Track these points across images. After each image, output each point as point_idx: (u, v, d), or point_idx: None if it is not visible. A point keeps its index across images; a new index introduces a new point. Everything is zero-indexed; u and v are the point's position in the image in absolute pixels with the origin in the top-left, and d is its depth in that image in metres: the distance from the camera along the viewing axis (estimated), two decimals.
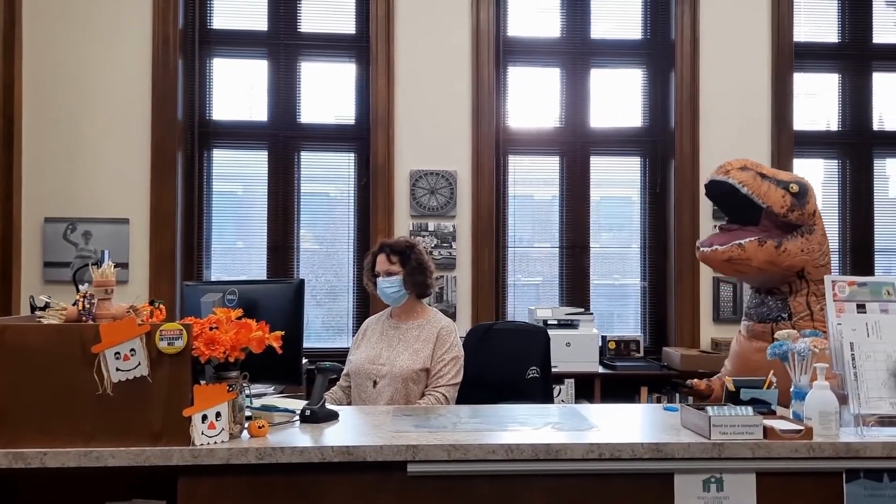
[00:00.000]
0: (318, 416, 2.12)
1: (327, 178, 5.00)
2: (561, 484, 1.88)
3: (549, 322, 4.40)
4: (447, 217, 4.68)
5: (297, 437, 1.97)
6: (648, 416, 2.23)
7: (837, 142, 5.05)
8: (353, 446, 1.85)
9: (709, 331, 4.73)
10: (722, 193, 3.15)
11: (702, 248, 3.16)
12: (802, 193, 3.14)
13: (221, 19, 4.85)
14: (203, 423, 1.84)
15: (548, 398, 3.24)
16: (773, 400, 2.09)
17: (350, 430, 2.06)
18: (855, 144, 5.04)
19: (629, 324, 5.00)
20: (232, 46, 4.88)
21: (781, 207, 3.05)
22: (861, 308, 2.08)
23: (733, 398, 2.11)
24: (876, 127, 5.06)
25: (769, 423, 1.92)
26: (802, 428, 1.90)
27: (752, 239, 3.05)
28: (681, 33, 4.80)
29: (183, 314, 2.29)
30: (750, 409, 1.93)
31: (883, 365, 1.98)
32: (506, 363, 3.21)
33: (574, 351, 4.37)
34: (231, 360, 1.86)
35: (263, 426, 1.95)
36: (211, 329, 1.86)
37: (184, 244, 4.67)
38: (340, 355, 4.55)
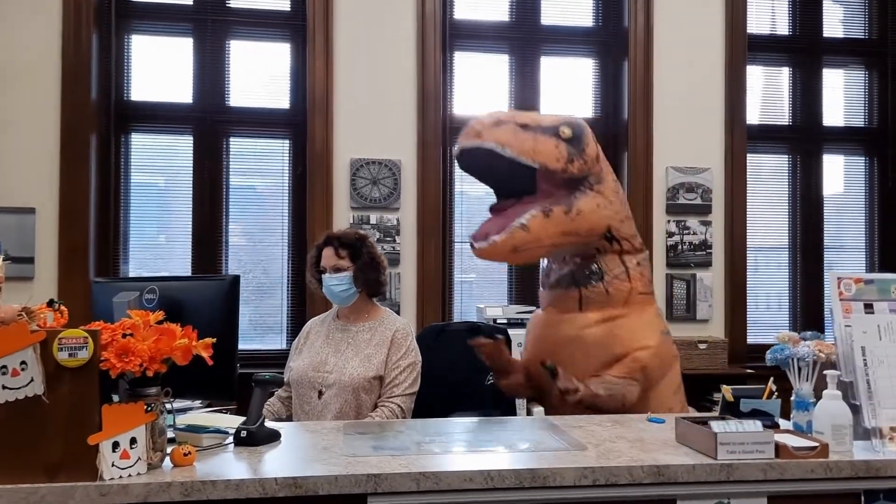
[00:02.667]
0: (256, 438, 1.78)
1: (259, 166, 4.61)
2: None
3: (498, 321, 4.15)
4: (391, 209, 4.37)
5: (232, 466, 1.63)
6: (636, 431, 1.98)
7: (789, 137, 4.96)
8: (302, 477, 1.53)
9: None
10: (479, 164, 2.45)
11: (476, 245, 2.49)
12: (578, 136, 2.48)
13: None
14: (114, 451, 1.49)
15: (510, 407, 2.96)
16: (776, 411, 1.86)
17: (295, 454, 1.73)
18: (805, 140, 4.95)
19: None
20: (153, 21, 4.45)
21: (557, 161, 2.38)
22: (868, 308, 1.88)
23: (731, 409, 1.87)
24: (826, 123, 4.99)
25: (779, 439, 1.69)
26: (817, 444, 1.68)
27: (535, 213, 2.39)
28: (634, 21, 4.61)
29: (94, 317, 1.92)
30: (759, 423, 1.70)
31: None
32: (464, 368, 2.92)
33: None
34: (150, 374, 1.52)
35: (190, 453, 1.60)
36: (124, 336, 1.51)
37: (98, 237, 4.23)
38: (273, 358, 4.22)
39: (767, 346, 4.72)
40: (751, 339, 4.65)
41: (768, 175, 4.97)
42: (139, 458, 1.52)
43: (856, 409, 1.78)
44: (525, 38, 4.73)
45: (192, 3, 4.45)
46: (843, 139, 5.04)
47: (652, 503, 1.63)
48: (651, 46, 4.62)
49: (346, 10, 4.38)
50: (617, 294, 2.57)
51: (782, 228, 4.92)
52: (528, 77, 4.72)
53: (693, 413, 2.57)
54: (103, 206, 4.28)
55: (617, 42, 4.73)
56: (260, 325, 4.52)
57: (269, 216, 4.55)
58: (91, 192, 4.17)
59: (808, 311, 4.83)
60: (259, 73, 4.55)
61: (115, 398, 1.66)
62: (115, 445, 1.49)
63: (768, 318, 4.89)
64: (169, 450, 1.63)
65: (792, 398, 1.87)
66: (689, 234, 4.60)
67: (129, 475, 1.51)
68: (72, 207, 4.11)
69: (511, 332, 3.98)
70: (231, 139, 4.49)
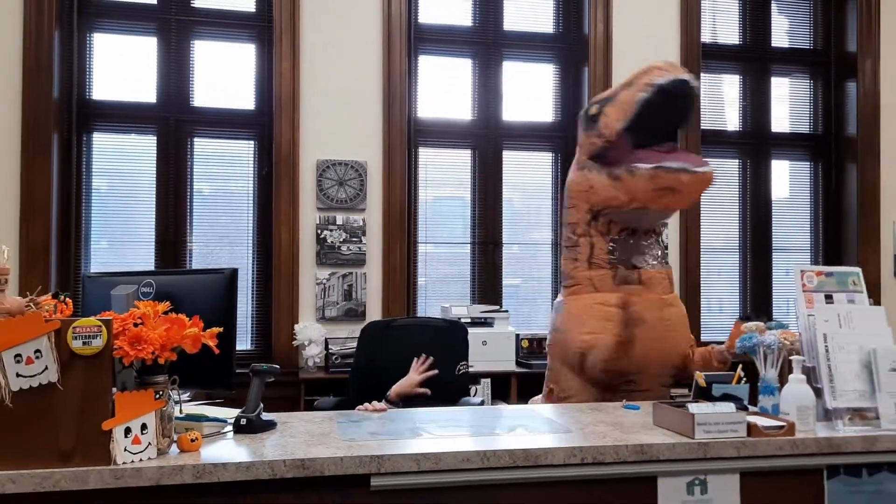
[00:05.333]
0: (254, 426, 1.84)
1: (225, 166, 4.62)
2: (540, 492, 1.69)
3: (462, 320, 4.22)
4: (357, 210, 4.42)
5: (237, 451, 1.68)
6: (615, 416, 2.09)
7: (738, 142, 5.18)
8: (309, 459, 1.59)
9: None
10: (663, 101, 2.43)
11: (700, 169, 2.44)
12: None
13: None
14: (126, 437, 1.53)
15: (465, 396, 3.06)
16: (744, 395, 2.00)
17: (296, 439, 1.79)
18: (754, 145, 5.18)
19: (541, 322, 4.90)
20: (116, 20, 4.43)
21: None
22: (829, 298, 2.03)
23: (704, 394, 2.00)
24: (773, 129, 5.22)
25: (752, 419, 1.82)
26: (785, 424, 1.81)
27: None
28: (594, 29, 4.76)
29: (86, 312, 1.94)
30: (732, 405, 1.83)
31: (856, 357, 1.93)
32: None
33: (490, 349, 4.24)
34: (161, 361, 1.56)
35: (196, 439, 1.65)
36: (136, 325, 1.56)
37: (59, 236, 4.19)
38: (240, 359, 4.25)
39: (720, 344, 4.89)
40: (704, 338, 4.84)
41: (719, 179, 5.16)
42: (150, 444, 1.57)
43: (818, 392, 1.92)
44: (488, 43, 4.85)
45: (155, 2, 4.44)
46: (790, 145, 5.28)
47: (635, 480, 1.74)
48: (610, 53, 4.77)
49: (313, 12, 4.43)
50: (670, 276, 2.74)
51: (733, 230, 5.13)
52: (491, 81, 4.84)
53: None
54: (65, 204, 4.24)
55: (577, 48, 4.88)
56: None
57: (234, 217, 4.55)
58: (53, 191, 4.14)
59: (757, 310, 5.04)
60: (224, 74, 4.55)
61: (114, 390, 1.70)
62: (127, 431, 1.53)
63: (719, 318, 5.09)
64: (175, 437, 1.67)
65: (759, 383, 2.00)
66: None
67: (141, 460, 1.55)
68: (33, 206, 4.07)
69: (474, 330, 4.11)
70: (195, 139, 4.49)
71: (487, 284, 4.78)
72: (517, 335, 4.48)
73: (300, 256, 4.36)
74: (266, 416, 1.89)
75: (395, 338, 3.13)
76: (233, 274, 1.90)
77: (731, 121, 5.20)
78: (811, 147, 5.29)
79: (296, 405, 3.97)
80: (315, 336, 4.22)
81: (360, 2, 4.48)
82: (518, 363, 4.39)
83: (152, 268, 4.35)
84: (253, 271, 4.49)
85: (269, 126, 4.43)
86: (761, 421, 1.82)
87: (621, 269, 2.63)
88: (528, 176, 4.96)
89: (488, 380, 4.23)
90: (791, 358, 1.90)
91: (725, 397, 1.97)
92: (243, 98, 4.56)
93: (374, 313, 4.42)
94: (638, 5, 4.80)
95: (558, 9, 4.94)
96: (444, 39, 4.81)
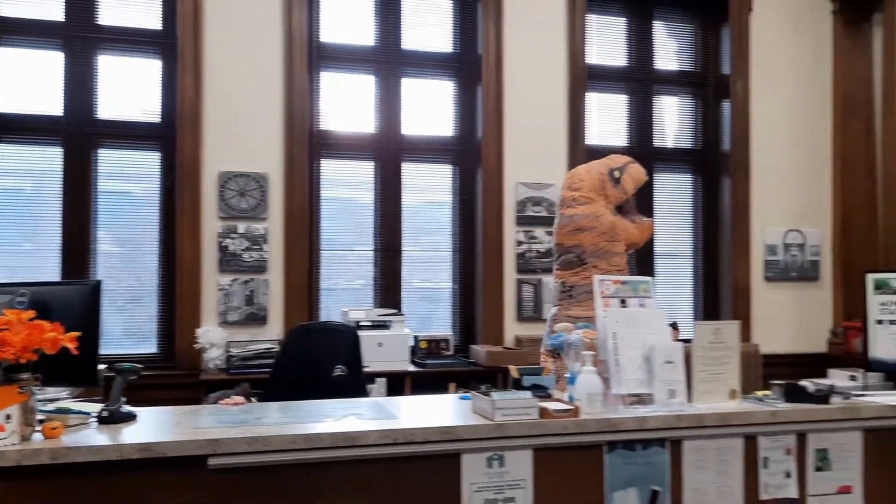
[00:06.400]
0: (115, 417, 2.10)
1: (130, 177, 4.80)
2: (359, 469, 2.00)
3: (361, 323, 4.52)
4: (258, 219, 4.67)
5: (94, 437, 1.95)
6: (445, 405, 2.42)
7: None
8: (152, 443, 1.87)
9: (512, 329, 5.05)
10: None
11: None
12: None
13: (10, 6, 4.54)
14: None
15: (361, 395, 3.34)
16: (550, 385, 2.34)
17: (150, 428, 2.07)
18: (639, 159, 5.54)
19: (441, 324, 5.21)
20: (22, 35, 4.58)
21: None
22: (623, 303, 2.39)
23: (517, 385, 2.34)
24: (658, 144, 5.65)
25: (544, 404, 2.16)
26: (572, 407, 2.16)
27: None
28: (486, 49, 5.10)
29: None
30: (529, 393, 2.16)
31: (639, 352, 2.28)
32: (313, 363, 3.30)
33: (386, 350, 4.52)
34: (23, 361, 1.82)
35: (57, 427, 1.91)
36: (1, 331, 1.81)
37: None
38: (142, 362, 4.45)
39: None
40: None
41: None
42: (13, 432, 1.82)
43: (607, 382, 2.27)
44: (388, 61, 5.14)
45: (62, 19, 4.61)
46: (674, 159, 5.71)
47: (441, 457, 2.06)
48: (501, 72, 5.12)
49: (215, 30, 4.65)
50: None
51: None
52: (392, 96, 5.13)
53: None
54: None
55: (472, 67, 5.20)
56: (134, 333, 4.70)
57: (140, 226, 4.73)
58: None
59: None
60: (130, 88, 4.73)
61: None
62: None
63: None
64: (40, 427, 1.93)
65: (566, 375, 2.35)
66: (536, 242, 5.13)
67: (5, 445, 1.80)
68: None
69: (371, 333, 4.43)
70: (101, 151, 4.65)
71: (388, 289, 5.08)
72: (415, 336, 4.79)
73: (203, 263, 4.58)
74: (127, 408, 2.15)
75: (306, 340, 3.45)
76: (96, 285, 2.17)
77: (618, 137, 5.58)
78: (692, 161, 5.73)
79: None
80: (217, 339, 4.45)
81: (261, 21, 4.73)
82: (414, 363, 4.70)
83: (58, 276, 4.50)
84: (159, 277, 4.69)
85: (173, 138, 4.62)
86: (553, 405, 2.17)
87: None
88: (427, 186, 5.27)
89: (384, 379, 4.51)
90: (583, 353, 2.25)
91: (534, 387, 2.30)
92: (149, 111, 4.75)
93: (276, 318, 4.67)
94: (527, 27, 5.16)
95: (455, 29, 5.26)
96: (346, 57, 5.08)
